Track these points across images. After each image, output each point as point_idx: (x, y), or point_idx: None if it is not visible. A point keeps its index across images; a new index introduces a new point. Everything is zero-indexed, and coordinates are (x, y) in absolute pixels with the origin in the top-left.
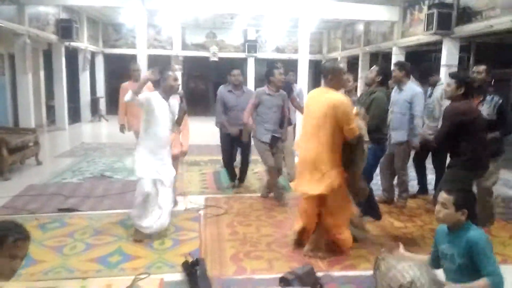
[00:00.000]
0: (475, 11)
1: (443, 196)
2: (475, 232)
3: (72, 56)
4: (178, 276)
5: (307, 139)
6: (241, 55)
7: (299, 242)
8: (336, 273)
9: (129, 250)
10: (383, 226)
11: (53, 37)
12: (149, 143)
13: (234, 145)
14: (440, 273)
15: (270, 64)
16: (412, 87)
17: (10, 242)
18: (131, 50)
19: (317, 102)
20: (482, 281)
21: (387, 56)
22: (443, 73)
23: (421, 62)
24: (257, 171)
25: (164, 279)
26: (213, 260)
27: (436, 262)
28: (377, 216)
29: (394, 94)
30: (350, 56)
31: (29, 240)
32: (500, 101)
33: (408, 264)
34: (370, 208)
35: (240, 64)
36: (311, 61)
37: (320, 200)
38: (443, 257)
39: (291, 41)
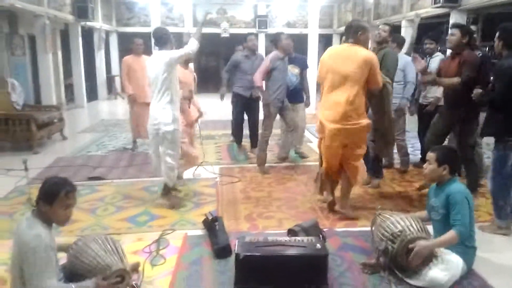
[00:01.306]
0: None
1: (429, 154)
2: (455, 186)
3: (87, 35)
4: (199, 231)
5: (335, 92)
6: (252, 30)
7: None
8: (338, 229)
9: (155, 211)
10: (384, 190)
11: (70, 18)
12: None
13: (243, 110)
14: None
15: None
16: (403, 56)
17: (63, 195)
18: (144, 28)
19: (346, 58)
20: (450, 233)
21: (397, 29)
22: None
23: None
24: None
25: (188, 233)
26: (229, 219)
27: (429, 215)
28: (380, 175)
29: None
30: None
31: (76, 190)
32: None
33: (399, 217)
34: (375, 169)
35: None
36: (321, 35)
37: (347, 138)
38: (431, 210)
39: (301, 16)
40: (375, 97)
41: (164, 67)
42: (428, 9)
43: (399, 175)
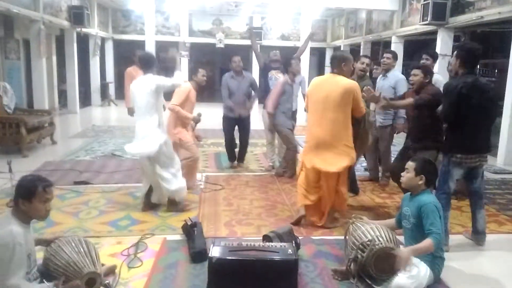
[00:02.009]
0: (468, 1)
1: (408, 163)
2: (427, 196)
3: (83, 41)
4: (178, 236)
5: (321, 121)
6: (247, 42)
7: (303, 218)
8: (314, 237)
9: (137, 216)
10: (364, 201)
11: (66, 23)
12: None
13: (235, 127)
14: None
15: (269, 52)
16: (396, 73)
17: (41, 189)
18: (139, 36)
19: (329, 87)
20: (426, 241)
21: (387, 44)
22: (437, 62)
23: (419, 51)
24: (256, 153)
25: (167, 238)
26: (209, 225)
27: (399, 223)
28: (355, 191)
29: (379, 81)
30: (352, 44)
31: (53, 185)
32: None
33: (370, 226)
34: (351, 184)
35: (246, 51)
36: (315, 49)
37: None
38: (403, 218)
39: (296, 29)
40: (357, 126)
41: (151, 93)
42: (417, 26)
43: (380, 187)
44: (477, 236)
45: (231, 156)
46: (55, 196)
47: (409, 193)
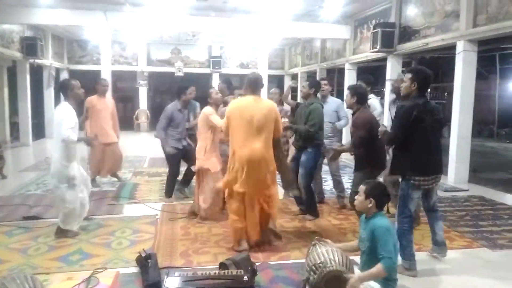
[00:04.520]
0: (414, 29)
1: (361, 186)
2: (378, 220)
3: (37, 72)
4: (133, 269)
5: (248, 142)
6: (206, 70)
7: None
8: (272, 262)
9: (89, 250)
10: (321, 224)
11: (18, 55)
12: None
13: (180, 160)
14: None
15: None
16: (333, 98)
17: None
18: (96, 66)
19: (253, 109)
20: (377, 267)
21: (341, 71)
22: (388, 87)
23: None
24: None
25: (120, 271)
26: (164, 256)
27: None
28: (315, 215)
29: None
30: (309, 71)
31: None
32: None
33: (326, 249)
34: (310, 207)
35: (206, 79)
36: (274, 76)
37: (266, 193)
38: (360, 241)
39: (255, 57)
40: (276, 146)
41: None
42: (368, 54)
43: (336, 209)
44: (439, 248)
45: (170, 192)
46: (3, 233)
47: (364, 215)
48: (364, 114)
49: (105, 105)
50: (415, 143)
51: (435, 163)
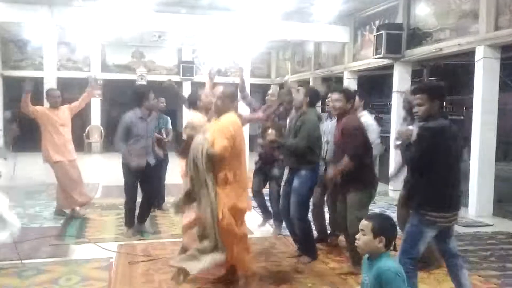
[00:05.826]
0: (425, 32)
1: (362, 223)
2: (385, 262)
3: None
4: None
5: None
6: (175, 78)
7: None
8: None
9: None
10: (317, 266)
11: None
12: None
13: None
14: None
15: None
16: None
17: None
18: (38, 72)
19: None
20: None
21: (340, 80)
22: (395, 100)
23: (375, 87)
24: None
25: None
26: None
27: None
28: (313, 256)
29: (327, 123)
30: (300, 80)
31: None
32: None
33: None
34: (307, 246)
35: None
36: (258, 86)
37: None
38: (362, 286)
39: (235, 63)
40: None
41: None
42: (370, 60)
43: (335, 249)
44: None
45: (131, 220)
46: None
47: (367, 255)
48: (353, 119)
49: (60, 118)
50: (435, 171)
51: (455, 197)
